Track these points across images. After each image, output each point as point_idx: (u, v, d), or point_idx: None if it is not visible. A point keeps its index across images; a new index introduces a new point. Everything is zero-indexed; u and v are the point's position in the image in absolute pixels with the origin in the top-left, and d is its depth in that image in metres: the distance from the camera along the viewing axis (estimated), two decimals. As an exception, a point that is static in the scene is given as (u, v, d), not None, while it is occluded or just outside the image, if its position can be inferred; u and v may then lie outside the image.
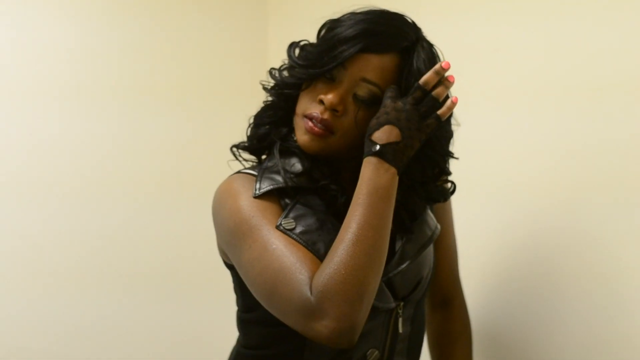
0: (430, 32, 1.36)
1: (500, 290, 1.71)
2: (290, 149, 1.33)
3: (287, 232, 1.23)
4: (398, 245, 1.34)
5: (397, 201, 1.25)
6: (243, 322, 1.42)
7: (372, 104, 1.26)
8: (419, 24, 1.34)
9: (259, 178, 1.30)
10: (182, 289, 2.30)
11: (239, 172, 1.36)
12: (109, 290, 2.17)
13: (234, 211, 1.26)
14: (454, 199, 1.51)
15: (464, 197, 1.57)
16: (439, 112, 1.23)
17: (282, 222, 1.24)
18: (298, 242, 1.22)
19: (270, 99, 1.38)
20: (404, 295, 1.36)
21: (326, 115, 1.26)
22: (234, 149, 1.40)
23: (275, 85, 1.36)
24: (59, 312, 2.09)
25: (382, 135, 1.20)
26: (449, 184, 1.42)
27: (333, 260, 1.14)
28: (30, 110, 2.08)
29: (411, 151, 1.22)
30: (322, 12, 1.35)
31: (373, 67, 1.25)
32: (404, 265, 1.33)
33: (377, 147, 1.20)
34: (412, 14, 1.35)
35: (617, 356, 1.48)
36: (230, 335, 1.50)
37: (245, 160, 1.41)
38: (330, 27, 1.30)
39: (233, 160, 1.41)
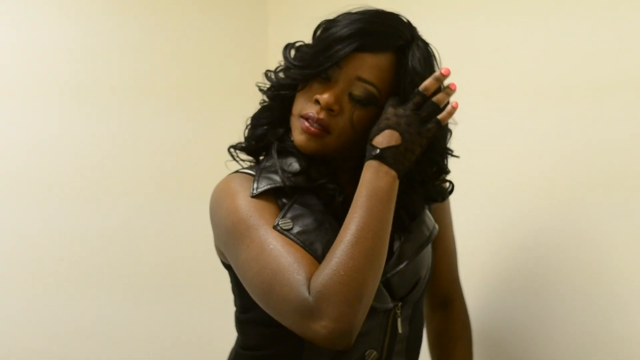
0: (430, 32, 1.36)
1: (500, 290, 1.71)
2: (287, 149, 1.33)
3: (284, 232, 1.23)
4: (396, 245, 1.34)
5: (396, 201, 1.25)
6: (241, 322, 1.42)
7: (368, 103, 1.27)
8: (419, 24, 1.34)
9: (256, 178, 1.30)
10: (182, 289, 2.30)
11: (236, 171, 1.36)
12: (108, 290, 2.17)
13: (231, 211, 1.26)
14: (453, 199, 1.51)
15: (464, 197, 1.57)
16: (440, 116, 1.24)
17: (280, 222, 1.24)
18: (295, 242, 1.22)
19: (266, 100, 1.38)
20: (402, 295, 1.35)
21: (322, 115, 1.26)
22: (232, 150, 1.41)
23: (272, 86, 1.36)
24: (59, 312, 2.09)
25: (383, 139, 1.21)
26: (447, 184, 1.42)
27: (332, 261, 1.14)
28: (30, 110, 2.08)
29: (412, 155, 1.22)
30: (322, 12, 1.35)
31: (369, 66, 1.25)
32: (402, 266, 1.33)
33: (377, 150, 1.20)
34: (412, 14, 1.35)
35: (617, 356, 1.48)
36: (230, 335, 1.50)
37: (242, 161, 1.41)
38: (326, 28, 1.31)
39: (231, 160, 1.42)
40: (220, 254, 1.37)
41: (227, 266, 1.37)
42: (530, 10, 1.67)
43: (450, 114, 1.24)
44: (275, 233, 1.22)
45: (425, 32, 1.34)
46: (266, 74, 1.37)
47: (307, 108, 1.28)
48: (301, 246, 1.22)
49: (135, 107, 2.24)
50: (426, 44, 1.32)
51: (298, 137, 1.29)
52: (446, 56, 1.38)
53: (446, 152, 1.34)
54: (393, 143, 1.20)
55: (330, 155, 1.31)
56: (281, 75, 1.35)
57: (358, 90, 1.26)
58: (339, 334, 1.12)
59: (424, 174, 1.32)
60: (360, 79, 1.26)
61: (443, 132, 1.32)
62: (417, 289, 1.39)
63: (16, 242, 2.05)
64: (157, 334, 2.25)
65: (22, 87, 2.07)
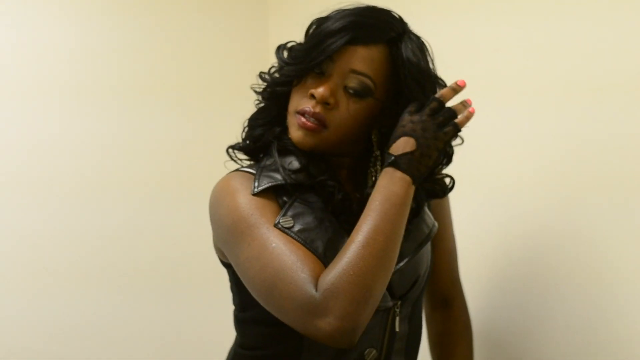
0: (430, 32, 1.36)
1: (500, 290, 1.71)
2: (286, 147, 1.33)
3: (285, 230, 1.23)
4: (396, 243, 1.34)
5: None
6: (240, 321, 1.42)
7: (363, 95, 1.28)
8: (419, 24, 1.35)
9: (257, 176, 1.31)
10: (182, 289, 2.30)
11: (236, 170, 1.36)
12: (108, 289, 2.17)
13: (232, 209, 1.27)
14: (453, 197, 1.51)
15: (464, 196, 1.57)
16: (457, 120, 1.25)
17: (281, 221, 1.24)
18: (296, 240, 1.22)
19: (262, 101, 1.39)
20: (401, 293, 1.36)
21: (318, 109, 1.27)
22: (230, 150, 1.41)
23: (267, 85, 1.37)
24: (59, 312, 2.09)
25: (398, 146, 1.23)
26: (448, 179, 1.42)
27: (342, 260, 1.15)
28: (30, 110, 2.08)
29: (429, 160, 1.23)
30: (322, 12, 1.35)
31: (362, 58, 1.26)
32: (402, 264, 1.33)
33: (392, 158, 1.22)
34: (412, 14, 1.35)
35: (617, 356, 1.48)
36: (229, 335, 1.50)
37: (241, 161, 1.42)
38: (318, 24, 1.32)
39: (229, 161, 1.42)
40: (220, 252, 1.37)
41: (226, 265, 1.37)
42: (530, 10, 1.67)
43: (468, 118, 1.26)
44: (277, 231, 1.22)
45: (425, 32, 1.35)
46: (260, 75, 1.39)
47: (302, 103, 1.29)
48: (302, 244, 1.22)
49: (135, 107, 2.25)
50: (418, 37, 1.33)
51: (295, 133, 1.30)
52: (446, 56, 1.38)
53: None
54: (408, 149, 1.22)
55: (328, 151, 1.32)
56: (276, 75, 1.36)
57: (352, 82, 1.27)
58: (343, 332, 1.12)
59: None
60: (354, 71, 1.27)
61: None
62: (416, 287, 1.39)
63: (16, 242, 2.05)
64: (156, 333, 2.25)
65: (22, 87, 2.07)
